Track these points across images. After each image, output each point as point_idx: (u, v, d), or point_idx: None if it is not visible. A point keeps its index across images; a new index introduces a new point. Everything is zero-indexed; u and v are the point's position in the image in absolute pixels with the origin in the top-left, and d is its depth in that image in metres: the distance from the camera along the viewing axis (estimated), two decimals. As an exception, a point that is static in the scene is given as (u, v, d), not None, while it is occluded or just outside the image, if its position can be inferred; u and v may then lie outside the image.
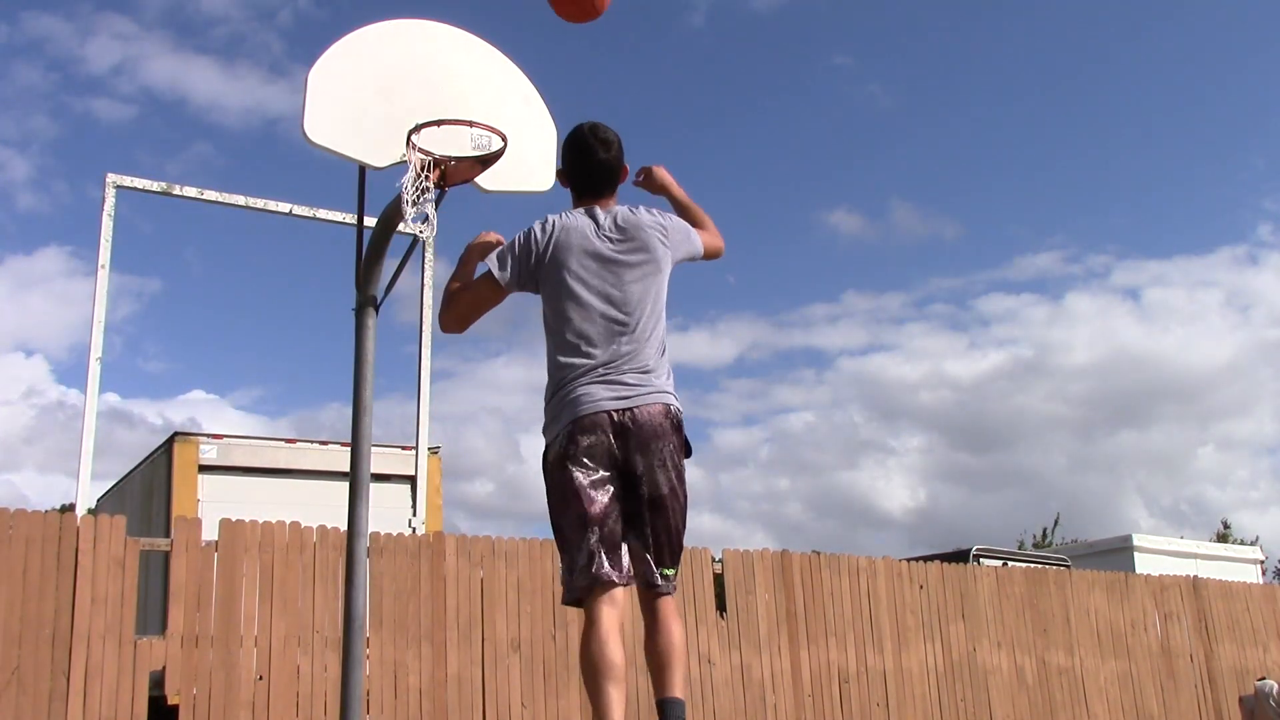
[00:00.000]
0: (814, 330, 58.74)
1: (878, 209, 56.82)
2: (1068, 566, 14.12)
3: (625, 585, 3.34)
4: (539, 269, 3.60)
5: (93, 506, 10.23)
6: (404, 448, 11.65)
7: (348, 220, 9.61)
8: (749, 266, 57.09)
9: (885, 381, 54.90)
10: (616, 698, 3.11)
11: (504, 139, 5.67)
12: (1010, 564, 13.91)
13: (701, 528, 48.80)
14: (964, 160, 54.82)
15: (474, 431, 51.20)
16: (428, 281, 11.51)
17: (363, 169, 5.99)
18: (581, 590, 3.31)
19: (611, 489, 3.36)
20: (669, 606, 3.40)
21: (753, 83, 55.45)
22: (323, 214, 11.43)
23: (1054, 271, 54.94)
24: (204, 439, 11.20)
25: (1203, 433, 52.68)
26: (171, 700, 7.78)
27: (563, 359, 3.48)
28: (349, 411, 6.27)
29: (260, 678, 7.99)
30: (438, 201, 5.83)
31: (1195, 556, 18.24)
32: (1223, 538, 30.90)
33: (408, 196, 5.28)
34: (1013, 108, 52.94)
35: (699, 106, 55.98)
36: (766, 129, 54.63)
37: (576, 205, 3.78)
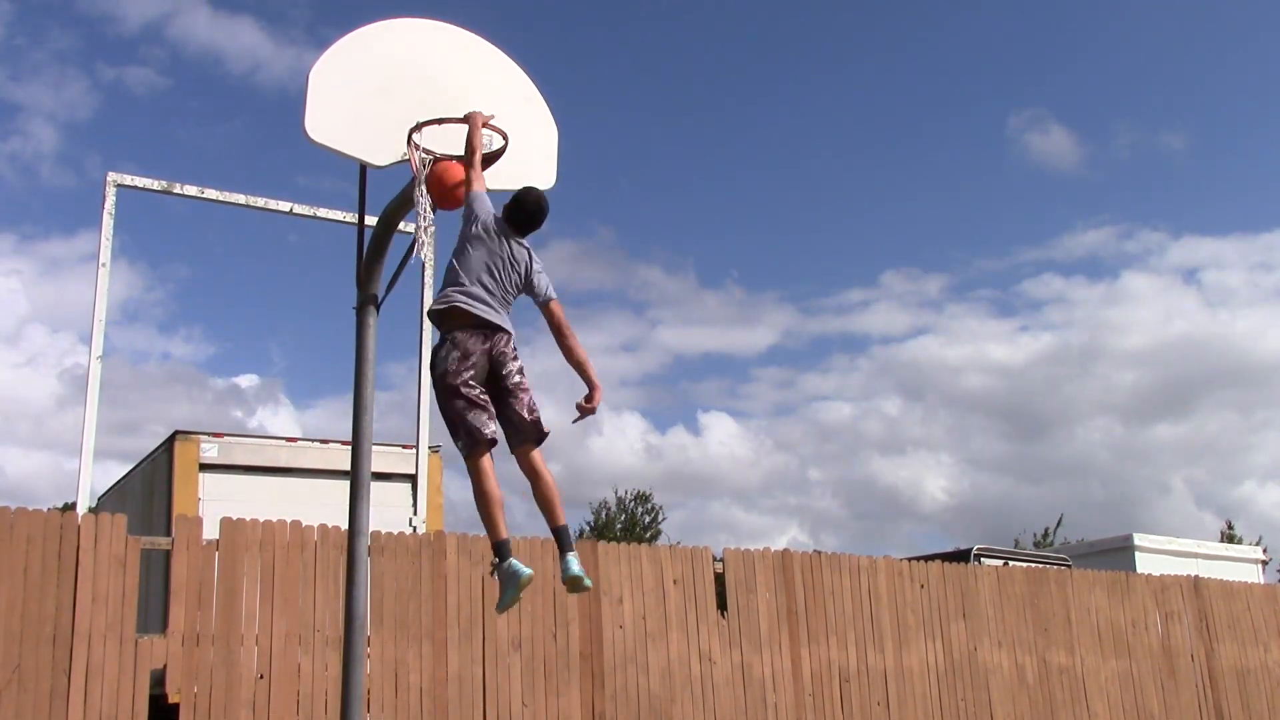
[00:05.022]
0: (850, 315, 58.24)
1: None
2: (1069, 566, 14.11)
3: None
4: None
5: (93, 505, 10.23)
6: (405, 446, 11.64)
7: (349, 219, 9.60)
8: (780, 251, 56.71)
9: (926, 367, 54.13)
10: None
11: (505, 137, 5.67)
12: (1011, 563, 13.91)
13: (734, 520, 48.42)
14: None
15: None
16: (428, 280, 11.51)
17: (363, 168, 5.99)
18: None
19: None
20: None
21: (763, 75, 55.43)
22: (323, 213, 11.44)
23: (1107, 249, 54.26)
24: (205, 437, 11.19)
25: (1261, 422, 51.38)
26: (172, 699, 7.77)
27: None
28: (350, 410, 6.27)
29: (261, 676, 7.99)
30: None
31: (1196, 556, 18.21)
32: (1229, 538, 30.81)
33: (421, 231, 5.44)
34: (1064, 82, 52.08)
35: (701, 103, 55.97)
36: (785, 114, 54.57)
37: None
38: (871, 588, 11.12)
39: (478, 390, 5.01)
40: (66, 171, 56.06)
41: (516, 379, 5.11)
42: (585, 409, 5.29)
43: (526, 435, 5.10)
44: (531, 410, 5.10)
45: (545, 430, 5.14)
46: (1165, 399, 52.75)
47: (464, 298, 5.07)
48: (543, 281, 5.33)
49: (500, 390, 5.09)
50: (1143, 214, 56.60)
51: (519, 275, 5.24)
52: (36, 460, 51.51)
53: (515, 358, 5.13)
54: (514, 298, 5.27)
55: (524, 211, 5.32)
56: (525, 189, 5.40)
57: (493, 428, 5.01)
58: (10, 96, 52.31)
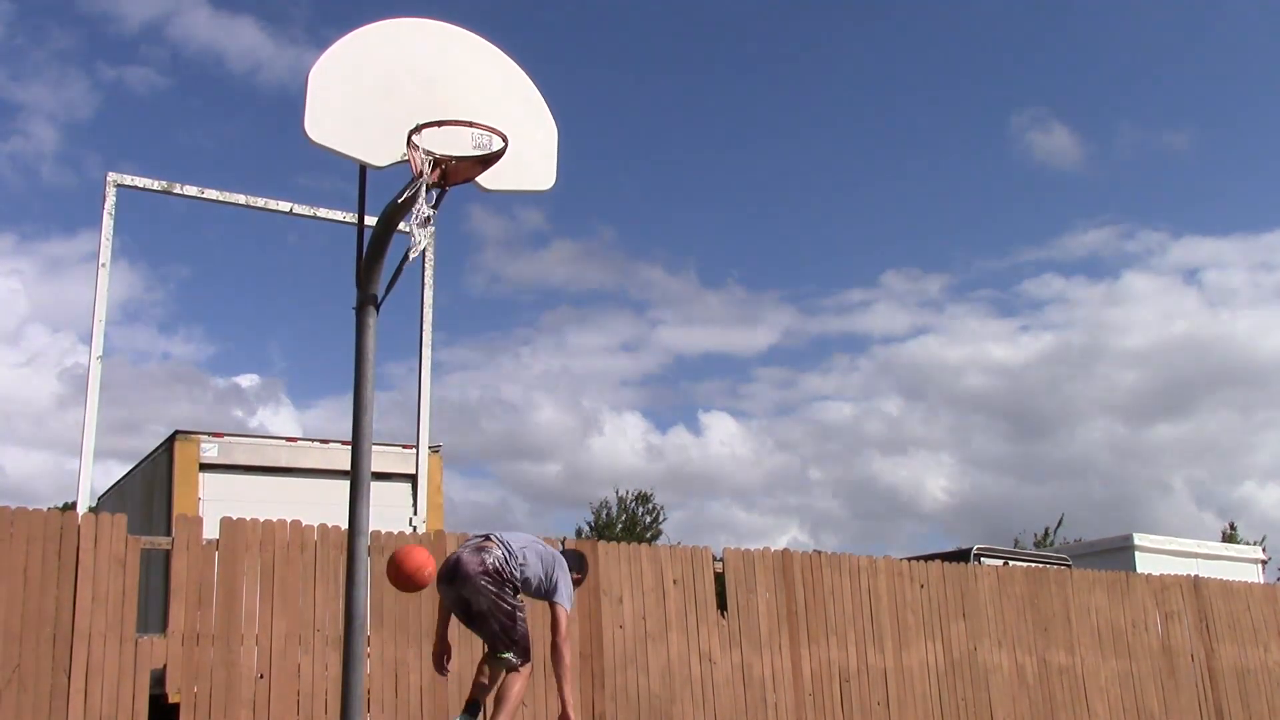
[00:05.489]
0: (851, 315, 58.21)
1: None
2: (1069, 566, 14.11)
3: None
4: None
5: (94, 505, 10.23)
6: (405, 446, 11.64)
7: (349, 219, 9.59)
8: (780, 251, 56.68)
9: (926, 367, 54.08)
10: None
11: (504, 139, 5.67)
12: (1011, 563, 13.91)
13: (734, 520, 48.52)
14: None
15: (489, 422, 51.15)
16: (428, 280, 11.50)
17: (363, 168, 5.98)
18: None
19: None
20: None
21: (763, 75, 55.40)
22: (323, 213, 11.42)
23: (1108, 249, 54.20)
24: (205, 437, 11.19)
25: (1262, 422, 51.23)
26: (172, 698, 7.78)
27: None
28: (350, 410, 6.27)
29: (261, 676, 7.99)
30: (438, 201, 5.85)
31: (1196, 556, 18.22)
32: (1231, 539, 30.83)
33: (415, 214, 5.42)
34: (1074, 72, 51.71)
35: (703, 102, 55.94)
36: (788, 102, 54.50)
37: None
38: (871, 588, 11.12)
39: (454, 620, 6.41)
40: (66, 171, 56.14)
41: (480, 612, 6.23)
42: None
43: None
44: (490, 635, 6.26)
45: (504, 655, 6.24)
46: (1166, 399, 52.79)
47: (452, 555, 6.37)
48: (546, 588, 6.52)
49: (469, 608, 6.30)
50: (1144, 213, 56.61)
51: (538, 555, 6.49)
52: (36, 460, 51.65)
53: (482, 597, 6.16)
54: (520, 574, 6.39)
55: (569, 555, 6.78)
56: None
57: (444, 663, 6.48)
58: (10, 96, 52.39)
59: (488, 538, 6.36)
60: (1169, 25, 52.35)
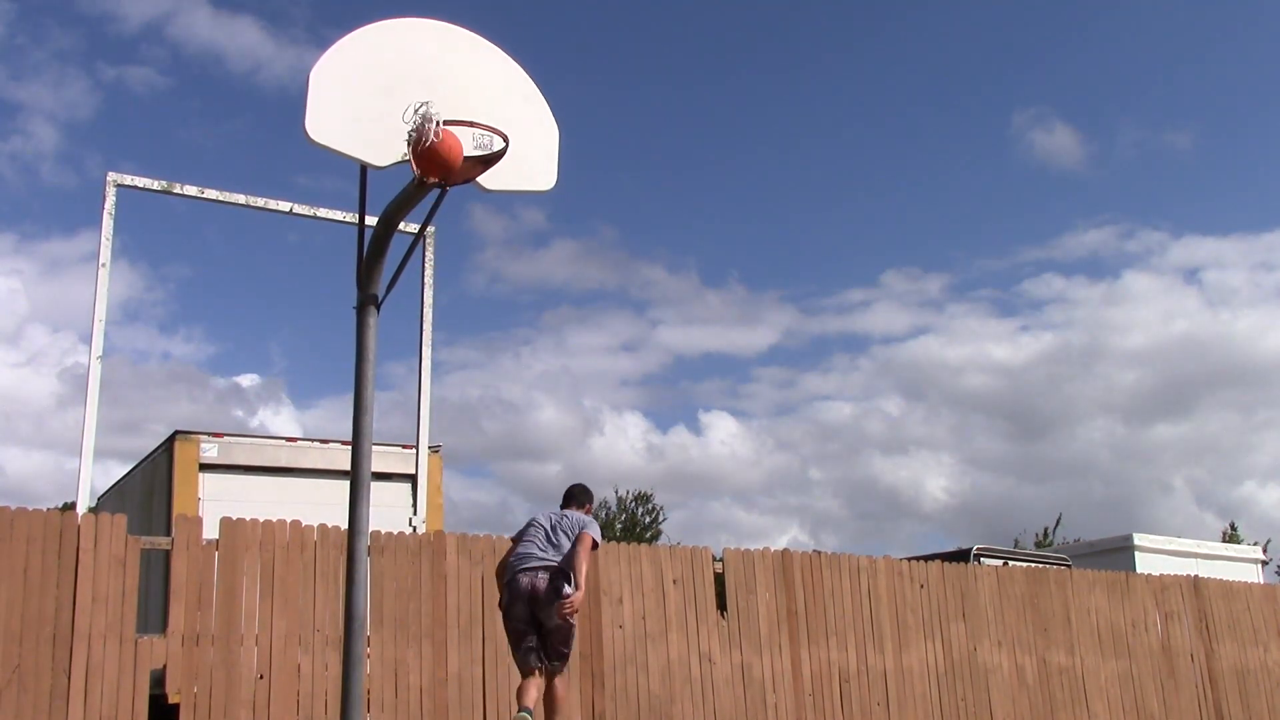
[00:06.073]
0: (851, 315, 58.20)
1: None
2: (1068, 566, 14.11)
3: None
4: None
5: (93, 505, 10.23)
6: (405, 446, 11.63)
7: (349, 219, 9.59)
8: (781, 250, 56.64)
9: (926, 367, 54.13)
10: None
11: (505, 139, 5.65)
12: (1011, 563, 13.91)
13: (734, 520, 48.55)
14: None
15: (490, 421, 51.12)
16: (428, 280, 11.50)
17: (364, 168, 5.98)
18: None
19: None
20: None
21: (765, 75, 55.40)
22: (323, 213, 11.40)
23: (1108, 249, 54.12)
24: (205, 437, 11.18)
25: (1262, 422, 51.20)
26: (172, 699, 7.78)
27: None
28: (350, 410, 6.27)
29: (261, 676, 7.99)
30: (439, 201, 5.84)
31: (1196, 556, 18.22)
32: (1231, 539, 30.85)
33: None
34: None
35: (704, 103, 55.94)
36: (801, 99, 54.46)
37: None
38: (871, 588, 11.12)
39: (522, 626, 6.76)
40: (66, 171, 56.17)
41: (549, 623, 6.72)
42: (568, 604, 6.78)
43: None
44: (554, 648, 6.77)
45: (556, 662, 6.79)
46: (1166, 399, 52.83)
47: (514, 566, 6.84)
48: (577, 526, 6.99)
49: (540, 625, 6.77)
50: (1144, 213, 56.66)
51: (566, 529, 6.97)
52: (36, 460, 51.69)
53: (550, 604, 6.66)
54: (568, 539, 6.92)
55: (567, 493, 7.28)
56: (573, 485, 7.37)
57: (532, 660, 6.75)
58: (11, 96, 52.41)
59: (548, 562, 6.80)
60: (1171, 25, 52.43)
